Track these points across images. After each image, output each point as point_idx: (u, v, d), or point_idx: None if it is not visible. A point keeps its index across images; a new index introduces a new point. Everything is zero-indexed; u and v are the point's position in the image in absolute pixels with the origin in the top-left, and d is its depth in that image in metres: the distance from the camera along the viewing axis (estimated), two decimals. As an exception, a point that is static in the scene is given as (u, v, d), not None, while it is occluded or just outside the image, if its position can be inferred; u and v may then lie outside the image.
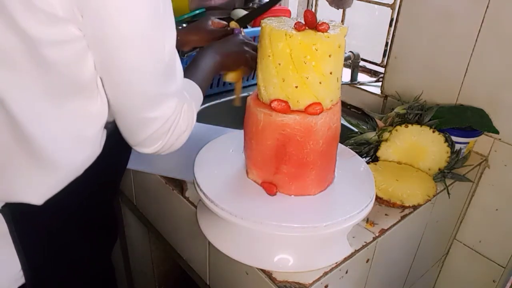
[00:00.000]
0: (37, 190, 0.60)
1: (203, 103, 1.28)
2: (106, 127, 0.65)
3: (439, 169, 0.91)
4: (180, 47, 0.96)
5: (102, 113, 0.60)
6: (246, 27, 0.96)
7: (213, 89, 1.34)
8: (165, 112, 0.61)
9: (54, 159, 0.59)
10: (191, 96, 0.70)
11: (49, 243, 0.69)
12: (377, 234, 0.77)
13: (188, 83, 0.74)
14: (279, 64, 0.61)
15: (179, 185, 0.89)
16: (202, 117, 1.24)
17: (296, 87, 0.61)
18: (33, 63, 0.51)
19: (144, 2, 0.51)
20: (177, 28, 0.61)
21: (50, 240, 0.68)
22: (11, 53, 0.50)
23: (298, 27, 0.60)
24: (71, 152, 0.60)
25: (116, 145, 0.68)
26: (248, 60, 0.89)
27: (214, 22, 0.98)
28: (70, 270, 0.75)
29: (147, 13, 0.52)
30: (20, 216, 0.61)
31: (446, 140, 0.89)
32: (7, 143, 0.56)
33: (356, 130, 1.01)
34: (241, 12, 1.45)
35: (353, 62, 1.35)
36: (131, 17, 0.51)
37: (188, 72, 0.78)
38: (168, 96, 0.61)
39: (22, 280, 0.66)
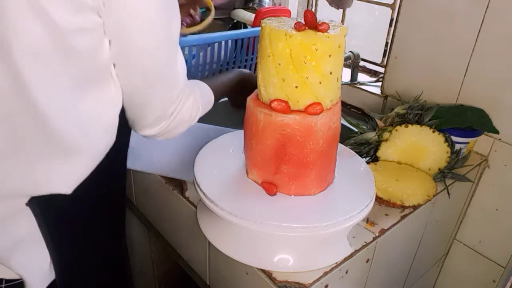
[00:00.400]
0: (65, 179, 0.61)
1: (203, 103, 1.29)
2: None
3: (439, 169, 0.91)
4: None
5: (117, 99, 0.62)
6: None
7: (213, 89, 1.34)
8: (171, 92, 0.64)
9: (79, 146, 0.60)
10: (201, 95, 0.74)
11: (78, 234, 0.69)
12: (377, 234, 0.77)
13: (201, 85, 0.78)
14: (279, 64, 0.61)
15: (179, 185, 0.89)
16: (202, 117, 1.24)
17: (296, 87, 0.61)
18: (61, 53, 0.52)
19: None
20: None
21: (79, 231, 0.69)
22: (40, 44, 0.50)
23: (298, 27, 0.60)
24: (94, 139, 0.62)
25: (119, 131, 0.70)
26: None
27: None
28: (97, 260, 0.75)
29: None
30: (49, 208, 0.62)
31: (446, 140, 0.89)
32: (32, 134, 0.56)
33: (356, 130, 1.01)
34: (242, 12, 1.46)
35: (353, 62, 1.35)
36: (145, 3, 0.53)
37: (207, 80, 0.82)
38: (174, 77, 0.63)
39: (52, 276, 0.66)
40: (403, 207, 0.82)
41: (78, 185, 0.62)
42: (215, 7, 1.51)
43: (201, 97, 0.74)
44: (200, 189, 0.69)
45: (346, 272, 0.73)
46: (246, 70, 0.94)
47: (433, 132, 0.90)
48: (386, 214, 0.82)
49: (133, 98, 0.63)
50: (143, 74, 0.60)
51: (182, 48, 1.18)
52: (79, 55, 0.53)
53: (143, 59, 0.58)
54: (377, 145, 0.94)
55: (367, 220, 0.80)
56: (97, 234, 0.73)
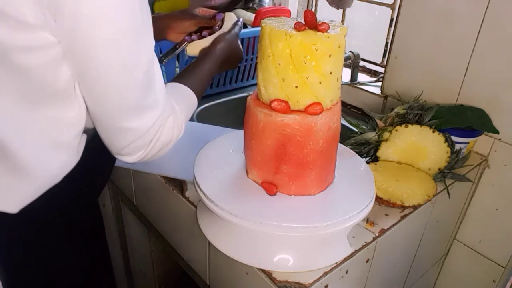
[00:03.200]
0: (12, 198, 0.58)
1: (203, 103, 1.29)
2: (86, 133, 0.63)
3: (439, 169, 0.91)
4: (164, 35, 0.95)
5: (79, 120, 0.59)
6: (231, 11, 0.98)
7: (213, 89, 1.34)
8: (144, 123, 0.58)
9: (28, 165, 0.57)
10: (181, 105, 0.68)
11: (26, 254, 0.66)
12: (377, 234, 0.77)
13: (180, 90, 0.72)
14: (279, 64, 0.61)
15: (179, 185, 0.89)
16: (202, 117, 1.24)
17: (296, 87, 0.61)
18: (4, 69, 0.50)
19: (121, 9, 0.48)
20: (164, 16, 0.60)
21: (27, 251, 0.66)
22: None
23: (298, 27, 0.60)
24: (46, 159, 0.59)
25: (97, 152, 0.66)
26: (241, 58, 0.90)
27: (202, 9, 0.97)
28: (51, 281, 0.72)
29: (123, 21, 0.49)
30: None
31: (446, 140, 0.89)
32: None
33: (356, 130, 1.01)
34: (242, 12, 1.46)
35: (353, 62, 1.35)
36: (105, 25, 0.48)
37: (186, 75, 0.76)
38: (147, 107, 0.58)
39: None
40: (403, 207, 0.82)
41: (28, 205, 0.59)
42: (215, 7, 1.52)
43: (182, 110, 0.68)
44: (200, 189, 0.69)
45: (346, 272, 0.73)
46: (215, 46, 0.84)
47: (433, 132, 0.90)
48: (386, 214, 0.82)
49: (100, 121, 0.58)
50: (107, 99, 0.55)
51: (182, 48, 1.19)
52: (27, 73, 0.51)
53: (102, 87, 0.53)
54: (377, 145, 0.94)
55: (367, 220, 0.80)
56: (54, 258, 0.71)
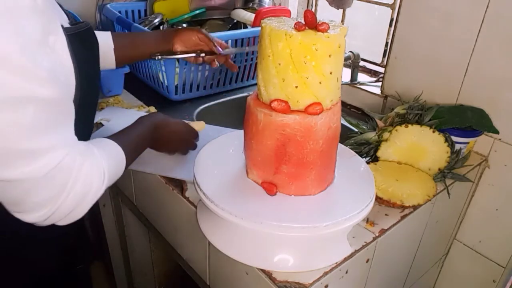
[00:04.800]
0: None
1: (203, 103, 1.29)
2: None
3: (439, 169, 0.91)
4: (171, 46, 0.97)
5: None
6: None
7: (213, 89, 1.34)
8: (35, 170, 0.49)
9: None
10: (103, 153, 0.60)
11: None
12: (377, 234, 0.77)
13: (105, 141, 0.65)
14: (279, 64, 0.61)
15: (179, 185, 0.89)
16: (202, 117, 1.24)
17: (296, 87, 0.61)
18: None
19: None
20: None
21: None
22: None
23: (298, 27, 0.60)
24: None
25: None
26: (182, 150, 0.89)
27: (204, 38, 0.98)
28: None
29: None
30: None
31: (446, 140, 0.89)
32: None
33: (356, 130, 1.01)
34: (242, 12, 1.46)
35: (353, 62, 1.35)
36: None
37: (116, 134, 0.69)
38: (36, 152, 0.49)
39: None
40: (403, 207, 0.82)
41: None
42: (215, 7, 1.52)
43: (104, 157, 0.59)
44: (200, 189, 0.69)
45: (346, 272, 0.73)
46: (155, 115, 0.81)
47: (433, 132, 0.90)
48: (386, 214, 0.82)
49: None
50: None
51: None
52: None
53: None
54: (377, 145, 0.94)
55: (367, 220, 0.80)
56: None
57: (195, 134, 0.91)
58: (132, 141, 0.70)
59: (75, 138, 0.56)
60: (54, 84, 0.50)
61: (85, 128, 0.73)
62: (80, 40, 0.61)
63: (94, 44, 0.69)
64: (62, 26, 0.57)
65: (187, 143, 0.90)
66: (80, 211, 0.56)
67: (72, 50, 0.57)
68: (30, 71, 0.47)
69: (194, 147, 0.91)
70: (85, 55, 0.62)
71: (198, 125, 0.95)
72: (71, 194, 0.53)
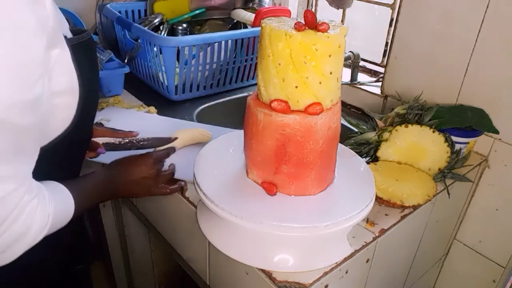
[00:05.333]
0: None
1: (203, 103, 1.29)
2: None
3: (439, 169, 0.91)
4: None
5: None
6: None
7: (213, 89, 1.34)
8: None
9: None
10: (52, 196, 0.57)
11: None
12: (377, 234, 0.77)
13: (56, 186, 0.61)
14: (279, 64, 0.61)
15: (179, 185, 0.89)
16: (202, 117, 1.24)
17: (296, 87, 0.61)
18: None
19: None
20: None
21: None
22: None
23: (298, 27, 0.60)
24: None
25: None
26: (151, 192, 0.78)
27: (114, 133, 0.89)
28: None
29: None
30: None
31: (446, 140, 0.89)
32: None
33: (356, 130, 1.01)
34: (242, 12, 1.46)
35: (353, 62, 1.35)
36: None
37: (70, 181, 0.64)
38: None
39: None
40: (403, 207, 0.82)
41: None
42: (215, 7, 1.52)
43: (52, 200, 0.56)
44: (200, 189, 0.69)
45: (346, 272, 0.73)
46: (114, 167, 0.75)
47: (433, 132, 0.90)
48: (386, 214, 0.82)
49: None
50: None
51: (182, 48, 1.19)
52: None
53: None
54: (377, 145, 0.94)
55: (367, 220, 0.80)
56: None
57: (158, 167, 0.78)
58: (86, 193, 0.66)
59: (30, 174, 0.53)
60: (34, 112, 0.49)
61: (84, 133, 0.73)
62: (83, 50, 0.61)
63: (94, 53, 0.71)
64: (65, 37, 0.58)
65: (154, 182, 0.78)
66: (14, 253, 0.52)
67: (75, 60, 0.58)
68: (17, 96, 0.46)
69: (163, 177, 0.80)
70: (87, 63, 0.63)
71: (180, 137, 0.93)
72: (8, 232, 0.50)
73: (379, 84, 1.30)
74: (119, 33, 1.39)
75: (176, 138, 0.95)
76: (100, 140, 0.87)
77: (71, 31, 0.63)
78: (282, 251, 0.68)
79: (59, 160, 0.64)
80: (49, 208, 0.55)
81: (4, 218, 0.49)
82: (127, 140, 0.90)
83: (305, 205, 0.68)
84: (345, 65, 1.14)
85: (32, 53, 0.48)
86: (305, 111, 0.62)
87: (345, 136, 0.97)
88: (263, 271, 0.69)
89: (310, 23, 0.60)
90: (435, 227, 1.02)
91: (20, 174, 0.50)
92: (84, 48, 0.62)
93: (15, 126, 0.47)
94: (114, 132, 0.89)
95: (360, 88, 1.33)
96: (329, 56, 0.60)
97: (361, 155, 0.92)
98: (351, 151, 0.84)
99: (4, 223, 0.49)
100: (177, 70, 1.22)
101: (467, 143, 0.99)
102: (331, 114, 0.64)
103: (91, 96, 0.67)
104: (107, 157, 0.82)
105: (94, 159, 0.88)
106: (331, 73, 0.61)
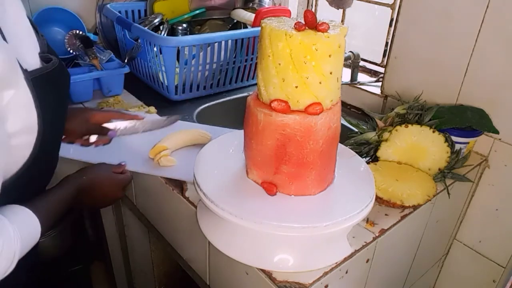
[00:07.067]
0: None
1: (203, 103, 1.29)
2: None
3: (439, 169, 0.91)
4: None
5: None
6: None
7: (213, 89, 1.34)
8: None
9: None
10: (20, 232, 0.55)
11: None
12: (377, 234, 0.77)
13: (22, 215, 0.59)
14: (279, 64, 0.61)
15: (179, 185, 0.89)
16: (202, 117, 1.24)
17: (296, 87, 0.61)
18: None
19: None
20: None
21: None
22: None
23: (298, 27, 0.60)
24: None
25: None
26: (117, 198, 0.81)
27: (96, 115, 0.86)
28: None
29: None
30: None
31: (446, 140, 0.89)
32: None
33: (356, 130, 1.01)
34: (242, 12, 1.46)
35: (353, 62, 1.35)
36: None
37: (39, 202, 0.63)
38: None
39: None
40: (403, 207, 0.82)
41: None
42: (215, 7, 1.52)
43: (19, 238, 0.54)
44: (200, 189, 0.69)
45: (346, 272, 0.73)
46: (80, 177, 0.74)
47: (433, 132, 0.90)
48: (386, 214, 0.82)
49: None
50: None
51: (182, 48, 1.20)
52: None
53: None
54: (377, 145, 0.94)
55: (367, 220, 0.80)
56: None
57: (123, 185, 0.82)
58: (53, 210, 0.66)
59: None
60: None
61: (47, 164, 0.70)
62: (45, 81, 0.59)
63: (62, 82, 0.67)
64: (26, 70, 0.55)
65: (115, 195, 0.81)
66: None
67: (36, 94, 0.56)
68: None
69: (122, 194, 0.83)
70: (51, 94, 0.61)
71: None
72: None
73: (379, 84, 1.30)
74: (119, 33, 1.39)
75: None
76: (108, 126, 0.89)
77: (41, 57, 0.60)
78: (282, 251, 0.68)
79: (20, 195, 0.61)
80: (14, 248, 0.53)
81: None
82: (133, 124, 0.91)
83: (305, 205, 0.68)
84: (345, 65, 1.14)
85: None
86: (305, 111, 0.62)
87: (345, 136, 0.97)
88: (263, 271, 0.69)
89: (310, 23, 0.60)
90: (435, 227, 1.02)
91: None
92: (47, 78, 0.60)
93: None
94: (121, 114, 0.91)
95: (360, 88, 1.33)
96: (329, 56, 0.60)
97: (361, 155, 0.92)
98: (351, 151, 0.84)
99: None
100: (177, 70, 1.22)
101: (467, 143, 0.99)
102: (331, 114, 0.64)
103: (55, 127, 0.65)
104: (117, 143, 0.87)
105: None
106: (331, 73, 0.61)
